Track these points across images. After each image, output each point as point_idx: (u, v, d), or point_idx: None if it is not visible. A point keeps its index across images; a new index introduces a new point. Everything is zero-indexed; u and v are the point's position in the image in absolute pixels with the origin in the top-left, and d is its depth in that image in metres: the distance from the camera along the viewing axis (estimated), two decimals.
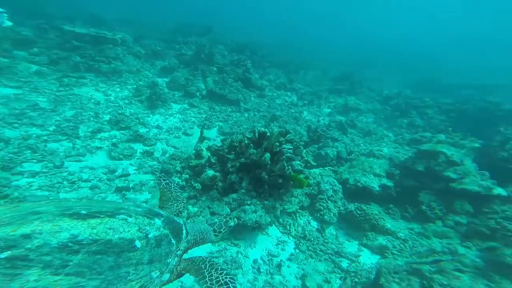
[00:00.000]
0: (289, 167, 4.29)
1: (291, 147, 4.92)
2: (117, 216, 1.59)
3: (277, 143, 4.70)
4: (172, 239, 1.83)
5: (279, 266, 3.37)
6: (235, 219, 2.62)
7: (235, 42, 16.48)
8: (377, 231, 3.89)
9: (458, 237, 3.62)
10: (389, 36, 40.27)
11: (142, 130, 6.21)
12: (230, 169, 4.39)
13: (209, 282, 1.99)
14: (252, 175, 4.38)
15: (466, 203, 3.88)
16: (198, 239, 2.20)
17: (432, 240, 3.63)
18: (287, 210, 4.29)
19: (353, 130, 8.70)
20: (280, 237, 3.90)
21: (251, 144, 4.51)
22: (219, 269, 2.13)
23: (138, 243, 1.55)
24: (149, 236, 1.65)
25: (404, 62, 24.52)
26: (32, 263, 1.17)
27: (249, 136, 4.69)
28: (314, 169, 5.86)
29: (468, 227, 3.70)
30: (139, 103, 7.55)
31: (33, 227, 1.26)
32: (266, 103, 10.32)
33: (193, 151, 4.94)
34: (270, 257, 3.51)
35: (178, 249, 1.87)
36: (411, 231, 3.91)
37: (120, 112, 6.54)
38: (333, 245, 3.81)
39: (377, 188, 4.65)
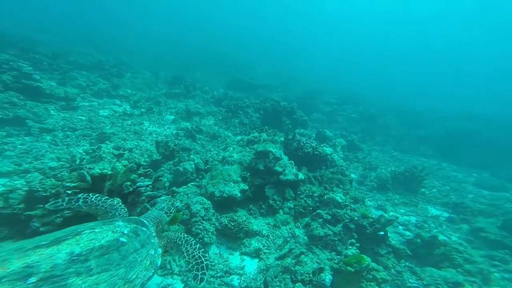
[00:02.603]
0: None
1: (149, 182, 4.21)
2: (83, 233, 1.80)
3: (128, 183, 3.82)
4: (142, 227, 2.20)
5: None
6: (179, 201, 3.01)
7: None
8: (249, 236, 4.48)
9: (292, 220, 5.08)
10: (202, 37, 44.77)
11: None
12: (41, 229, 2.98)
13: (186, 257, 2.54)
14: None
15: (290, 190, 5.51)
16: (157, 221, 2.63)
17: (281, 229, 4.80)
18: None
19: (201, 135, 9.13)
20: (162, 283, 3.39)
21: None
22: (193, 244, 2.65)
23: (123, 239, 1.93)
24: (125, 232, 2.00)
25: (220, 64, 28.87)
26: (63, 277, 1.41)
27: (73, 184, 3.31)
28: (178, 189, 5.51)
29: (294, 209, 5.23)
30: None
31: (27, 260, 1.43)
32: (83, 117, 7.66)
33: None
34: None
35: (151, 232, 2.30)
36: (269, 225, 4.90)
37: None
38: (220, 265, 3.90)
39: (239, 195, 5.36)
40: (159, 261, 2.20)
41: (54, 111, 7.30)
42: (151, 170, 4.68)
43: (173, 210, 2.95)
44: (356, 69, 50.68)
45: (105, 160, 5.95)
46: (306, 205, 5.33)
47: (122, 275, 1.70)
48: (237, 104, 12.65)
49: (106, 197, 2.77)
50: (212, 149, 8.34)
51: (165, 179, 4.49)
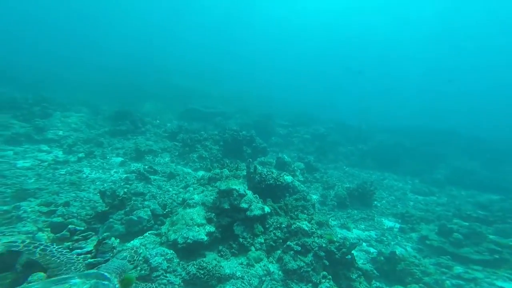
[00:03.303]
0: None
1: (89, 248, 3.65)
2: None
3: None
4: (103, 281, 2.09)
5: None
6: (143, 247, 3.00)
7: None
8: (223, 281, 4.12)
9: (265, 256, 4.83)
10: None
11: None
12: None
13: None
14: None
15: (258, 225, 5.33)
16: (120, 271, 2.48)
17: (256, 267, 4.52)
18: None
19: (155, 176, 8.36)
20: None
21: None
22: None
23: None
24: None
25: (170, 94, 27.86)
26: None
27: None
28: (133, 241, 4.84)
29: (265, 244, 5.01)
30: None
31: None
32: None
33: None
34: None
35: (114, 285, 2.19)
36: (242, 265, 4.56)
37: None
38: None
39: (206, 238, 4.93)
40: None
41: None
42: (92, 233, 4.04)
43: (137, 258, 2.76)
44: (301, 91, 56.58)
45: (28, 220, 4.89)
46: (276, 237, 5.24)
47: None
48: (193, 137, 12.19)
49: (67, 250, 2.69)
50: (170, 189, 7.68)
51: (112, 239, 3.86)
